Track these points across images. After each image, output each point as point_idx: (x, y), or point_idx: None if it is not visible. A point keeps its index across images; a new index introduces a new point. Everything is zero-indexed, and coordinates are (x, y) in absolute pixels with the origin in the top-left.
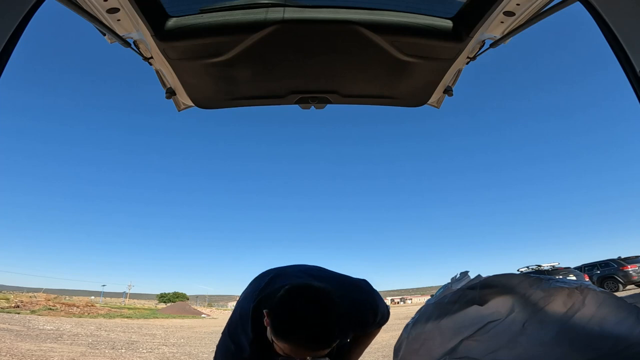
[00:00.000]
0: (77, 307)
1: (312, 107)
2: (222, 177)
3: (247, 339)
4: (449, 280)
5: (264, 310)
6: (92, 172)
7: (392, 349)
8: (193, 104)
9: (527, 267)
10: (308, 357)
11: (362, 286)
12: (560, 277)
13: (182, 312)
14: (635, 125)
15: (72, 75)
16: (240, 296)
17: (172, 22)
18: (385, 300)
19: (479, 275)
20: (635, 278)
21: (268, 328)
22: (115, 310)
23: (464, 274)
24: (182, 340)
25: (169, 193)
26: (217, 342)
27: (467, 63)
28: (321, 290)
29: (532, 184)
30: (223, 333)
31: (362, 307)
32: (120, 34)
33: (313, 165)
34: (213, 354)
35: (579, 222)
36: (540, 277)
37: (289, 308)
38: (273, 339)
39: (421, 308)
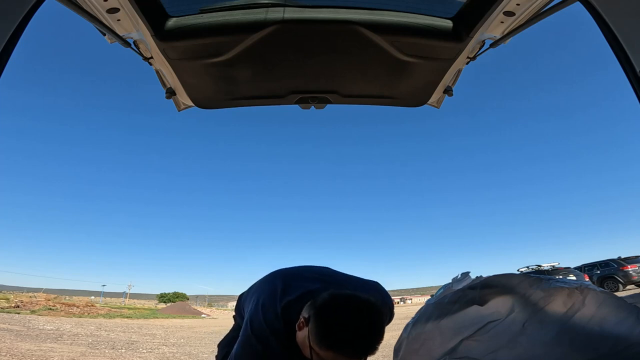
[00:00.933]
0: (77, 307)
1: (312, 107)
2: (222, 177)
3: (277, 341)
4: (449, 280)
5: (303, 316)
6: (92, 172)
7: (392, 349)
8: (193, 104)
9: (527, 267)
10: None
11: (379, 288)
12: (560, 277)
13: (182, 312)
14: (635, 125)
15: (72, 75)
16: (249, 297)
17: (172, 22)
18: None
19: (479, 276)
20: (635, 278)
21: (304, 333)
22: (115, 310)
23: (465, 274)
24: (182, 340)
25: (169, 193)
26: (217, 342)
27: (467, 63)
28: (369, 301)
29: (532, 184)
30: (244, 334)
31: (384, 310)
32: (120, 34)
33: (313, 165)
34: (214, 354)
35: (579, 222)
36: (540, 277)
37: (338, 317)
38: (312, 345)
39: (421, 308)
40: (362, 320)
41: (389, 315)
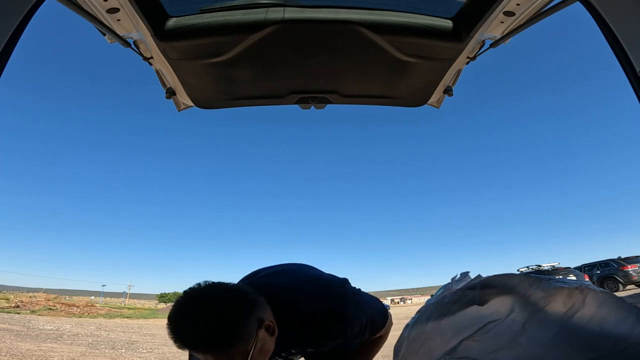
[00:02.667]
0: (77, 307)
1: (312, 107)
2: (222, 177)
3: None
4: (449, 280)
5: None
6: (92, 172)
7: (392, 349)
8: (193, 104)
9: (527, 267)
10: None
11: (326, 293)
12: (560, 277)
13: None
14: (635, 125)
15: (72, 75)
16: None
17: (172, 22)
18: (385, 301)
19: (479, 276)
20: (635, 278)
21: None
22: (115, 310)
23: (465, 274)
24: None
25: (169, 193)
26: None
27: (467, 63)
28: (217, 288)
29: (532, 184)
30: None
31: (321, 315)
32: (120, 34)
33: (313, 166)
34: None
35: (579, 222)
36: (540, 277)
37: (173, 307)
38: None
39: (421, 308)
40: (180, 311)
41: (339, 324)
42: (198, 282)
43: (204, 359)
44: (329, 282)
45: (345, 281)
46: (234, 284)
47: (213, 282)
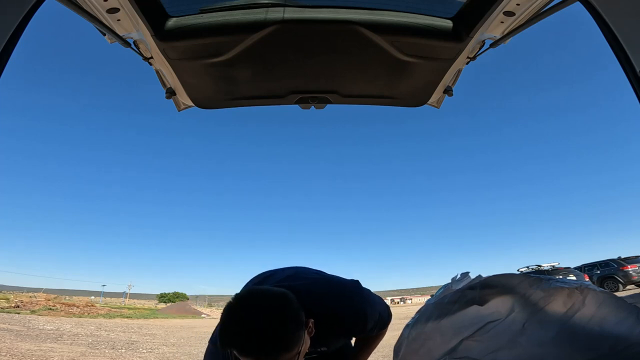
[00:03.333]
0: (77, 307)
1: (312, 107)
2: (222, 177)
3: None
4: (449, 281)
5: None
6: (92, 172)
7: (392, 349)
8: (193, 104)
9: (527, 267)
10: None
11: (349, 290)
12: (560, 277)
13: (182, 312)
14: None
15: (72, 75)
16: None
17: (172, 22)
18: (385, 300)
19: (479, 276)
20: (635, 278)
21: None
22: (115, 310)
23: (465, 274)
24: (182, 340)
25: (169, 193)
26: None
27: (467, 63)
28: (271, 294)
29: (532, 183)
30: (209, 342)
31: (347, 313)
32: (120, 34)
33: (313, 165)
34: None
35: (579, 222)
36: (540, 277)
37: (229, 313)
38: None
39: (421, 308)
40: (249, 315)
41: (363, 320)
42: (244, 287)
43: None
44: (346, 283)
45: (358, 282)
46: (279, 289)
47: (260, 288)
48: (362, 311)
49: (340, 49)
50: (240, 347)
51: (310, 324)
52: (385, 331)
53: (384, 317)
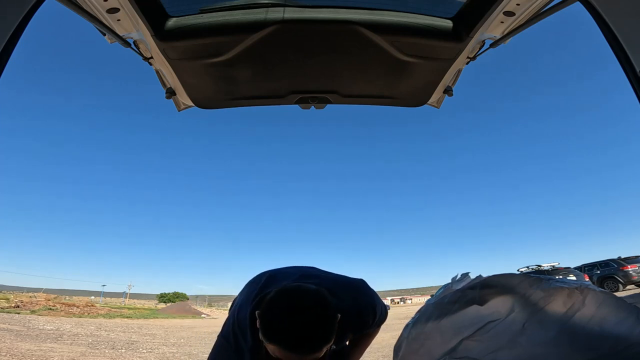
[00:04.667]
0: (77, 307)
1: (312, 107)
2: (222, 177)
3: (246, 345)
4: (449, 281)
5: (256, 312)
6: (92, 172)
7: (392, 349)
8: (193, 104)
9: (527, 267)
10: None
11: (360, 286)
12: (560, 277)
13: (182, 312)
14: (635, 125)
15: (72, 75)
16: (236, 299)
17: (172, 22)
18: (385, 300)
19: (479, 275)
20: (635, 278)
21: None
22: (115, 310)
23: (465, 274)
24: (182, 340)
25: (169, 193)
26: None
27: (467, 63)
28: (312, 291)
29: (532, 183)
30: (219, 337)
31: (362, 309)
32: (120, 34)
33: (313, 166)
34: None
35: (579, 222)
36: (540, 277)
37: (275, 309)
38: (262, 340)
39: (421, 308)
40: (299, 311)
41: (373, 316)
42: (245, 287)
43: (290, 359)
44: (356, 281)
45: (364, 280)
46: (313, 286)
47: (298, 284)
48: (372, 307)
49: (340, 49)
50: (287, 343)
51: (339, 319)
52: (379, 329)
53: (384, 313)
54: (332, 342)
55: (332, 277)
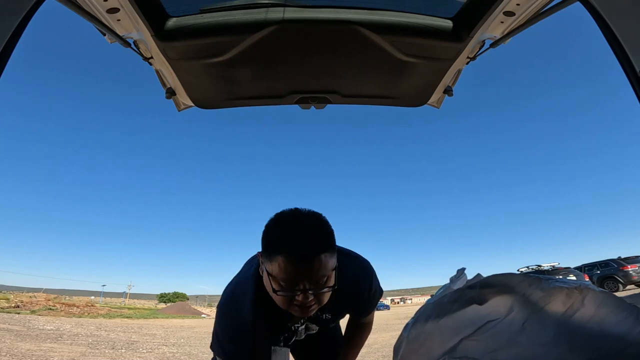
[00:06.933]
0: (77, 307)
1: (312, 107)
2: (222, 177)
3: (249, 299)
4: (449, 280)
5: (258, 252)
6: (92, 172)
7: (392, 349)
8: (193, 104)
9: (527, 267)
10: (305, 286)
11: (362, 261)
12: (560, 277)
13: (182, 312)
14: (635, 126)
15: (72, 75)
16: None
17: (172, 22)
18: (385, 300)
19: (478, 275)
20: (635, 278)
21: (262, 269)
22: (115, 310)
23: (461, 271)
24: (182, 340)
25: (169, 193)
26: None
27: (467, 63)
28: (309, 210)
29: (532, 184)
30: (220, 305)
31: (360, 277)
32: (120, 34)
33: (313, 166)
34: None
35: (578, 222)
36: (540, 277)
37: (278, 222)
38: (266, 266)
39: (421, 308)
40: (299, 221)
41: (369, 290)
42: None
43: (306, 273)
44: (358, 255)
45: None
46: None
47: (296, 208)
48: (369, 280)
49: (340, 49)
50: (293, 249)
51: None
52: (372, 325)
53: (379, 291)
54: (334, 262)
55: (338, 247)
